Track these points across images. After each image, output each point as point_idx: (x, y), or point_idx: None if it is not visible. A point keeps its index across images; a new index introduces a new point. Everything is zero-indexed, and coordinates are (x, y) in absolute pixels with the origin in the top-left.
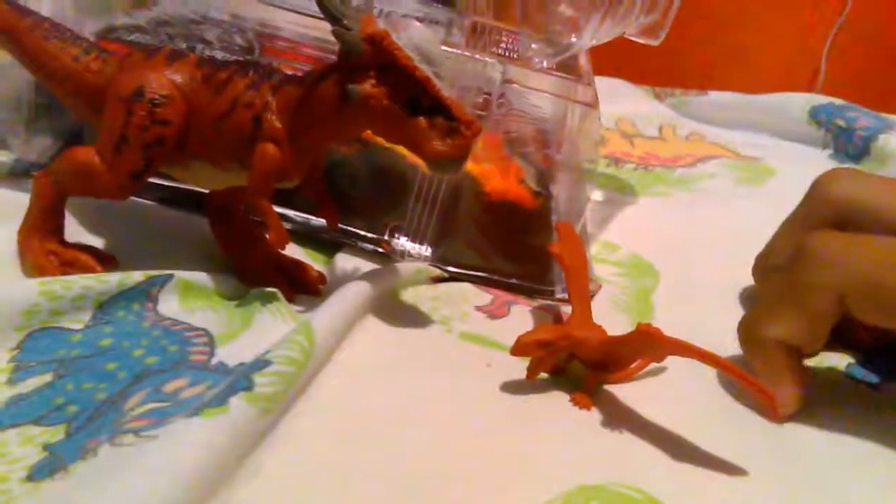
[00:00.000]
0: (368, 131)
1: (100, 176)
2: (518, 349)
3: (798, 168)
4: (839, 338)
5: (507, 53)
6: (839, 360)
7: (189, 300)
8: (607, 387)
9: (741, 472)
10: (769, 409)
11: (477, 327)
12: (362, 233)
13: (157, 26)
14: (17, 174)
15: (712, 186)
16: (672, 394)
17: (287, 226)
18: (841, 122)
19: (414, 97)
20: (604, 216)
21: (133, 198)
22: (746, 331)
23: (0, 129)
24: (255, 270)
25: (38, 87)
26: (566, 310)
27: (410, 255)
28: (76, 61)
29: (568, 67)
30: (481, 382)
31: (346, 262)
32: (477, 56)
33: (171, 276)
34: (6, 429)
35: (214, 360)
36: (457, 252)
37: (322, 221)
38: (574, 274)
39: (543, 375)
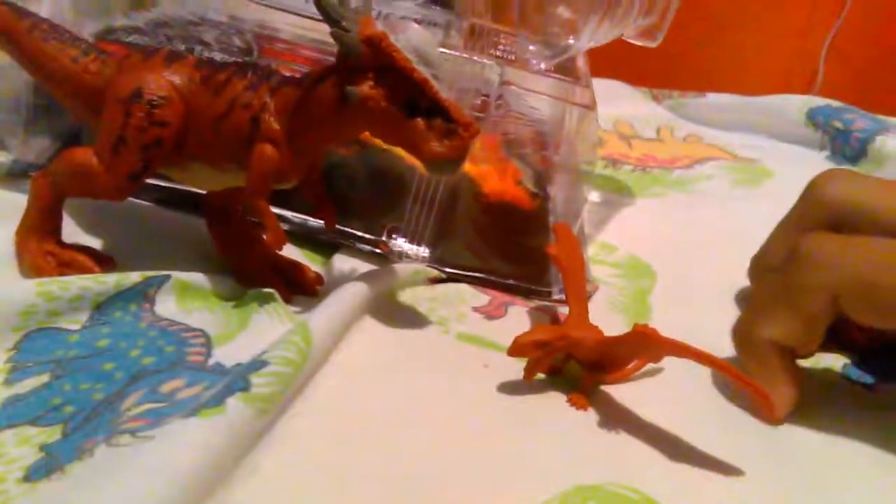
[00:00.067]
0: (366, 133)
1: (98, 177)
2: (515, 350)
3: (795, 170)
4: (835, 338)
5: (505, 55)
6: (835, 361)
7: (186, 301)
8: (604, 387)
9: (737, 472)
10: (765, 410)
11: (474, 328)
12: (360, 234)
13: (155, 28)
14: (15, 175)
15: (710, 188)
16: (668, 394)
17: (285, 227)
18: (838, 124)
19: (412, 99)
20: (601, 217)
21: (131, 199)
22: (740, 332)
23: None
24: (252, 271)
25: (37, 88)
26: (563, 311)
27: (408, 257)
28: (75, 62)
29: (566, 69)
30: (478, 383)
31: (343, 263)
32: (475, 58)
33: (169, 276)
34: (3, 429)
35: (211, 361)
36: (454, 253)
37: (320, 222)
38: (571, 275)
39: (540, 376)
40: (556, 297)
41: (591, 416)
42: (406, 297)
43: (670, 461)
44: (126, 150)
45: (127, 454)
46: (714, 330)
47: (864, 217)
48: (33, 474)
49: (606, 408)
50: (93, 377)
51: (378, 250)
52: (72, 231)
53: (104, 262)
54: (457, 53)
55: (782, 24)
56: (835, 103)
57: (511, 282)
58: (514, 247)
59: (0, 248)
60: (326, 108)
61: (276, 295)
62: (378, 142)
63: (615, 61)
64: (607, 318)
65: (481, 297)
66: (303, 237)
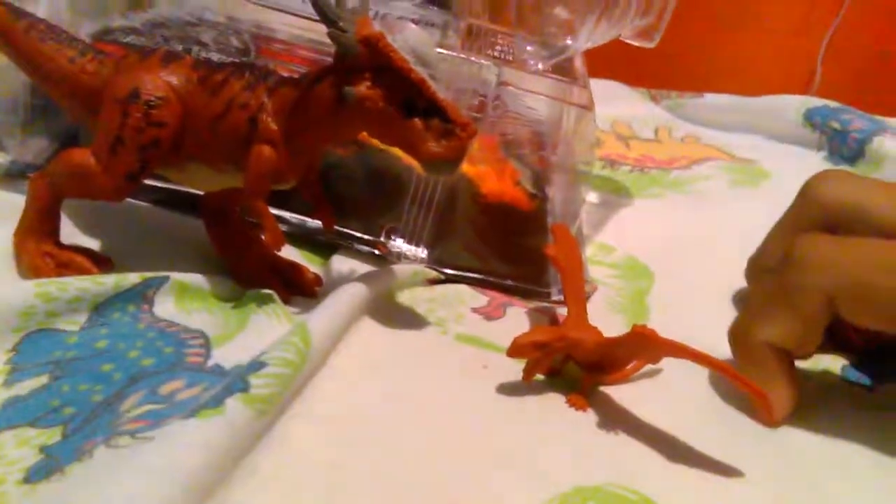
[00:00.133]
0: (364, 133)
1: (96, 178)
2: (514, 351)
3: (793, 170)
4: (833, 339)
5: (502, 56)
6: (833, 363)
7: (185, 302)
8: (603, 388)
9: (736, 473)
10: (764, 411)
11: (473, 329)
12: (358, 235)
13: (152, 28)
14: (13, 176)
15: (707, 188)
16: (667, 395)
17: (283, 227)
18: (835, 125)
19: (409, 99)
20: (599, 218)
21: (129, 200)
22: (737, 334)
23: None
24: (250, 272)
25: (35, 88)
26: (562, 311)
27: (406, 257)
28: (72, 63)
29: (563, 70)
30: (477, 384)
31: (342, 263)
32: (472, 58)
33: (167, 277)
34: (2, 431)
35: (210, 362)
36: (453, 254)
37: (318, 223)
38: (569, 276)
39: (539, 377)
40: (554, 297)
41: (590, 416)
42: (405, 297)
43: (669, 462)
44: (124, 150)
45: (126, 455)
46: (712, 331)
47: (860, 218)
48: (33, 476)
49: (605, 408)
50: (92, 378)
51: (376, 251)
52: (70, 232)
53: (102, 263)
54: (454, 54)
55: (780, 24)
56: (832, 104)
57: (510, 282)
58: (513, 247)
59: None
60: (324, 109)
61: (275, 296)
62: (376, 142)
63: (613, 62)
64: (606, 318)
65: (480, 297)
66: (301, 238)
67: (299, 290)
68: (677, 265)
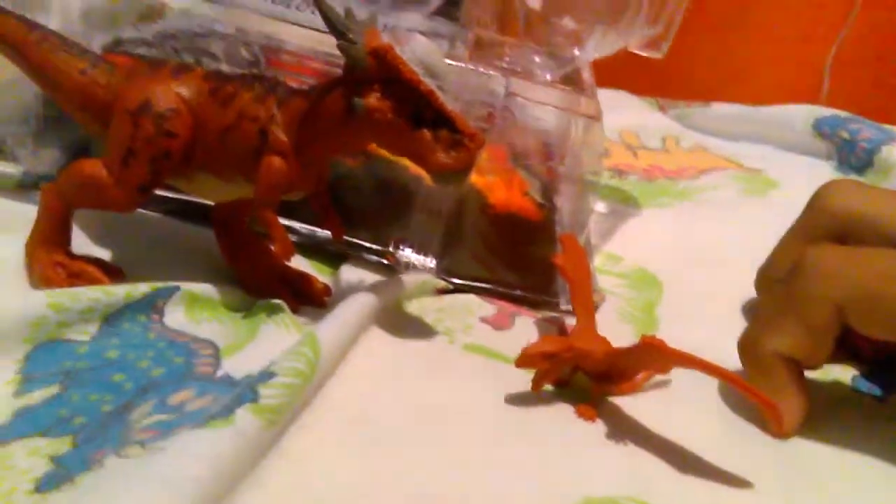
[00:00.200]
0: (373, 144)
1: (107, 189)
2: (523, 361)
3: (802, 180)
4: (843, 349)
5: (510, 67)
6: (844, 373)
7: (195, 312)
8: (612, 399)
9: (747, 484)
10: (774, 422)
11: (481, 339)
12: (367, 245)
13: (163, 40)
14: (25, 186)
15: (716, 198)
16: (677, 406)
17: (292, 238)
18: (844, 134)
19: (418, 110)
20: (607, 228)
21: (139, 210)
22: (747, 345)
23: (8, 141)
24: (260, 282)
25: (46, 100)
26: (570, 321)
27: (415, 267)
28: (83, 75)
29: (571, 80)
30: (486, 394)
31: (351, 273)
32: (481, 69)
33: (178, 287)
34: (13, 441)
35: (220, 372)
36: (461, 264)
37: (327, 233)
38: (578, 286)
39: (548, 387)
40: (563, 307)
41: (599, 427)
42: (413, 307)
43: (679, 473)
44: (135, 161)
45: (136, 465)
46: (722, 341)
47: (870, 228)
48: (43, 485)
49: (614, 419)
50: (102, 388)
51: (385, 261)
52: (81, 242)
53: (113, 273)
54: (462, 65)
55: (788, 32)
56: (841, 113)
57: (518, 292)
58: (521, 257)
59: (10, 259)
60: (333, 120)
61: (285, 306)
62: (384, 153)
63: (620, 71)
64: (615, 328)
65: (488, 307)
66: (311, 248)
67: (308, 299)
68: (686, 275)
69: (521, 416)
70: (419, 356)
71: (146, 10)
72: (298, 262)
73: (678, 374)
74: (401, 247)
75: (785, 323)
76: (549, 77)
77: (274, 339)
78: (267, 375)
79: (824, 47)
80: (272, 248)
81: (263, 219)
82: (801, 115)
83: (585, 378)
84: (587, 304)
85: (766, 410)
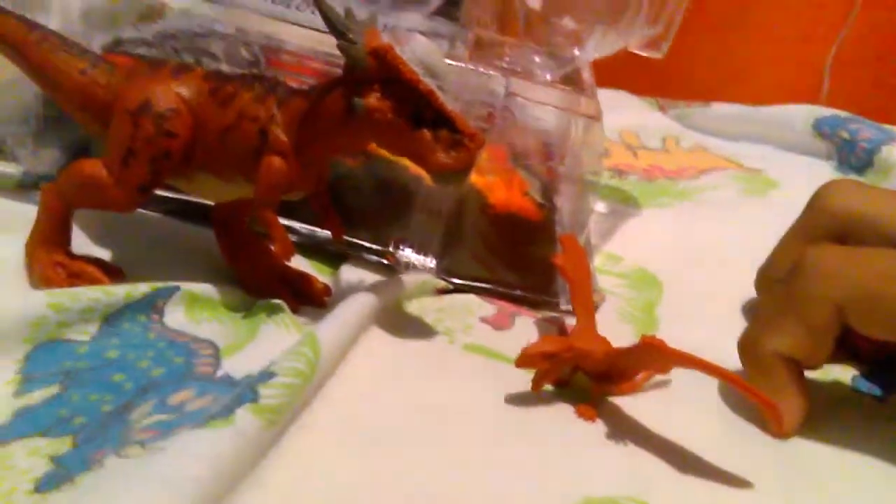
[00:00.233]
0: (373, 144)
1: (107, 189)
2: (523, 361)
3: (802, 180)
4: (843, 349)
5: (510, 67)
6: (844, 373)
7: (195, 312)
8: (612, 399)
9: (746, 484)
10: (774, 422)
11: (481, 339)
12: (367, 245)
13: (163, 40)
14: (25, 186)
15: (716, 198)
16: (677, 406)
17: (292, 238)
18: (844, 134)
19: (418, 110)
20: (607, 228)
21: (139, 210)
22: (747, 345)
23: (8, 141)
24: (260, 282)
25: (46, 99)
26: (570, 321)
27: (415, 267)
28: (83, 75)
29: (571, 80)
30: (486, 394)
31: (351, 273)
32: (480, 69)
33: (178, 287)
34: (13, 441)
35: (220, 372)
36: (461, 264)
37: (327, 233)
38: (578, 286)
39: (548, 387)
40: (563, 307)
41: (599, 427)
42: (413, 307)
43: (679, 473)
44: (135, 161)
45: (136, 465)
46: (722, 341)
47: (870, 228)
48: (43, 485)
49: (614, 419)
50: (102, 388)
51: (385, 261)
52: (81, 242)
53: (113, 273)
54: (462, 65)
55: (788, 32)
56: (841, 113)
57: (518, 292)
58: (521, 257)
59: (10, 259)
60: (333, 120)
61: (285, 306)
62: (384, 153)
63: (620, 71)
64: (615, 328)
65: (488, 307)
66: (311, 248)
67: (308, 299)
68: (686, 275)
69: (521, 416)
70: (419, 356)
71: (146, 10)
72: (298, 262)
73: (678, 374)
74: (401, 247)
75: (785, 323)
76: (549, 77)
77: (274, 339)
78: (267, 375)
79: (824, 47)
80: (272, 248)
81: (263, 219)
82: (801, 115)
83: (585, 378)
84: (587, 304)
85: (766, 410)
